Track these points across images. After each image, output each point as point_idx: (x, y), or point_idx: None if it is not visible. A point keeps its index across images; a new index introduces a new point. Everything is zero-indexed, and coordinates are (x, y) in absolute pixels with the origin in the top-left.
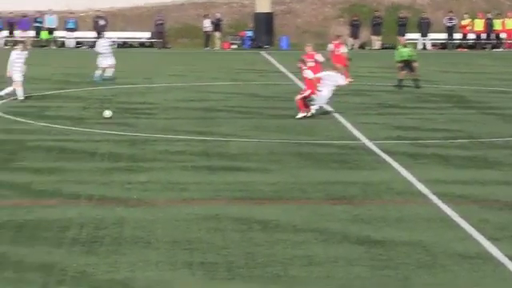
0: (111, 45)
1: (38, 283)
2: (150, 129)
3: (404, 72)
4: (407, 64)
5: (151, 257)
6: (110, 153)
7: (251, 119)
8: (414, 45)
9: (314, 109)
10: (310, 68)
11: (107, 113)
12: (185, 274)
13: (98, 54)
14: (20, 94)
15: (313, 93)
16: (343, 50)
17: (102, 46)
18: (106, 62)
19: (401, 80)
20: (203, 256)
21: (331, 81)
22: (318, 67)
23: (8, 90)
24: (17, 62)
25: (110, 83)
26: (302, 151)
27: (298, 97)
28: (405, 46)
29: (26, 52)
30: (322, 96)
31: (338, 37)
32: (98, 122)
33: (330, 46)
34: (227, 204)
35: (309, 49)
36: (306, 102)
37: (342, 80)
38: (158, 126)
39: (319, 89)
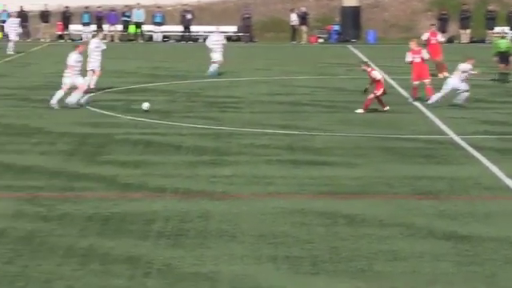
0: (221, 40)
1: (125, 275)
2: (235, 122)
3: (503, 65)
4: (504, 57)
5: (236, 250)
6: (195, 146)
7: (337, 113)
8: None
9: (437, 97)
10: (416, 64)
11: (145, 105)
12: (269, 268)
13: (208, 49)
14: (92, 83)
15: (385, 91)
16: (440, 38)
17: (212, 41)
18: (218, 56)
19: (502, 74)
20: (288, 250)
21: (462, 70)
22: (424, 64)
23: (88, 81)
24: (95, 50)
25: (200, 77)
26: (388, 145)
27: (371, 96)
28: (503, 37)
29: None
30: (449, 84)
31: (433, 25)
32: (184, 115)
33: (426, 35)
34: (312, 198)
35: (414, 45)
36: (381, 99)
37: (467, 66)
38: (244, 120)
39: (448, 76)
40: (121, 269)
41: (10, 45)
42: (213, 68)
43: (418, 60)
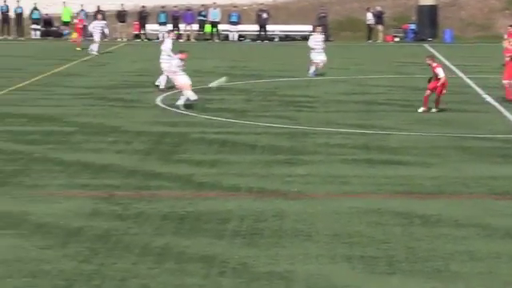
0: (323, 41)
1: (200, 274)
2: (310, 122)
3: None
4: None
5: (311, 250)
6: (270, 145)
7: (413, 113)
8: None
9: None
10: (508, 63)
11: (221, 80)
12: (344, 267)
13: (310, 48)
14: (163, 82)
15: (434, 91)
16: None
17: (314, 41)
18: (319, 57)
19: None
20: (363, 250)
21: None
22: None
23: (162, 79)
24: (169, 51)
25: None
26: (465, 145)
27: (437, 95)
28: None
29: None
30: None
31: (511, 26)
32: (260, 114)
33: (505, 37)
34: (388, 198)
35: (508, 43)
36: (428, 98)
37: None
38: (319, 119)
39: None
40: (196, 267)
41: (94, 45)
42: (313, 69)
43: (507, 59)
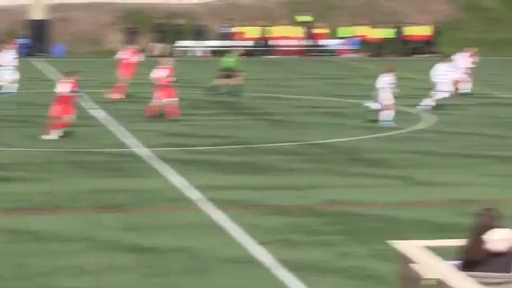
0: (15, 58)
1: None
2: None
3: (222, 79)
4: (228, 72)
5: None
6: None
7: (26, 128)
8: (185, 52)
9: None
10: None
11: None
12: None
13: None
14: None
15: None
16: (137, 57)
17: (5, 58)
18: (9, 76)
19: (214, 86)
20: None
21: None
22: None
23: None
24: None
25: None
26: (74, 159)
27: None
28: (233, 55)
29: None
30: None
31: (129, 44)
32: None
33: (120, 54)
34: None
35: (165, 61)
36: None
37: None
38: None
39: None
40: None
41: None
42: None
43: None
